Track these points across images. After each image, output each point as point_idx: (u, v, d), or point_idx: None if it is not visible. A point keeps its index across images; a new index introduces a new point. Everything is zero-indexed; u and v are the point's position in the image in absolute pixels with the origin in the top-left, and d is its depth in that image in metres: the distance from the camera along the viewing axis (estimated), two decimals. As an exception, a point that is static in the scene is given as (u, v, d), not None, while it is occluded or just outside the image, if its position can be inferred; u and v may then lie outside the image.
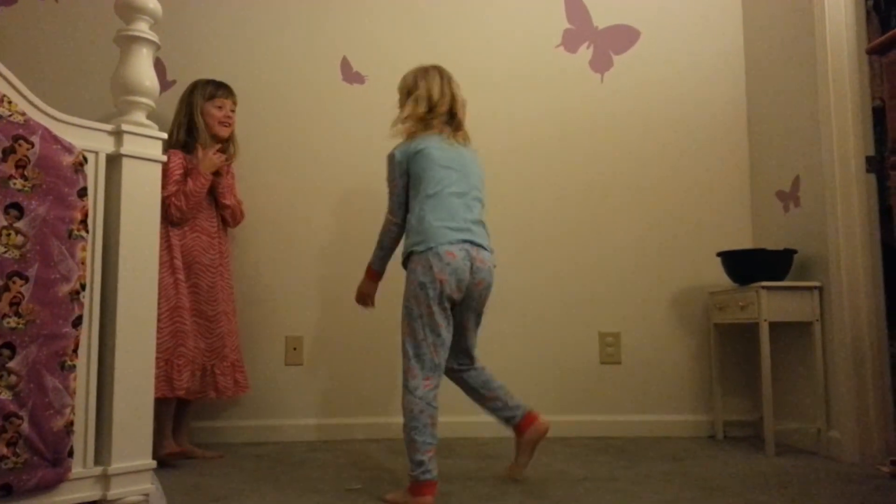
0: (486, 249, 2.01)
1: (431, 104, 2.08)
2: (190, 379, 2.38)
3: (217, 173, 2.54)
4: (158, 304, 2.12)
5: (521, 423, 2.04)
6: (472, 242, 1.96)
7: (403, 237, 2.06)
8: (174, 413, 2.45)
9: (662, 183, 3.04)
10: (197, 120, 2.54)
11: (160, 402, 2.29)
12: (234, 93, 2.65)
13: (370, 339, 2.92)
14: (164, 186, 2.25)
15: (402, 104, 2.15)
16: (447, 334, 1.93)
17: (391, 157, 2.08)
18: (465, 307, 1.99)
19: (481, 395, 2.08)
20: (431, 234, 1.92)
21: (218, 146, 2.57)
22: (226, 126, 2.61)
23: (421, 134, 2.06)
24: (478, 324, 2.07)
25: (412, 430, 1.85)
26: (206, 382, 2.46)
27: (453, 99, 2.12)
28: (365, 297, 2.19)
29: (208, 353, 2.48)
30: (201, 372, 2.44)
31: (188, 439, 2.53)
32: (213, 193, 2.57)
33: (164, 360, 2.32)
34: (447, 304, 1.92)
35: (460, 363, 2.09)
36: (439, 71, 2.17)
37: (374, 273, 2.15)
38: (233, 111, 2.64)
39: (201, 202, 2.50)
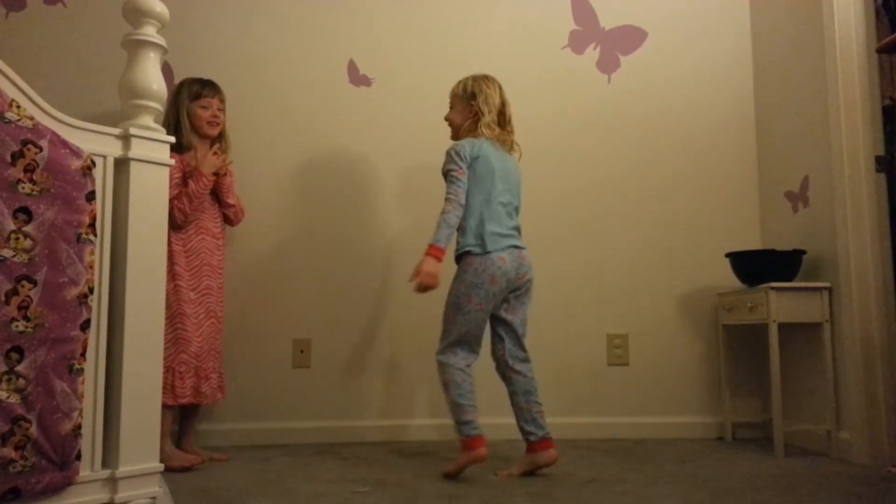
0: (524, 249, 2.30)
1: (491, 109, 2.33)
2: (193, 386, 2.38)
3: (217, 173, 2.52)
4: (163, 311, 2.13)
5: (536, 444, 2.21)
6: (516, 246, 2.27)
7: (458, 234, 2.25)
8: (182, 417, 2.46)
9: (670, 183, 3.03)
10: (182, 120, 2.51)
11: (162, 410, 2.30)
12: (221, 90, 2.60)
13: (378, 341, 2.92)
14: None
15: (457, 107, 2.38)
16: (485, 325, 2.25)
17: (458, 152, 2.25)
18: (515, 298, 2.28)
19: (518, 401, 2.25)
20: (488, 240, 2.20)
21: (216, 146, 2.56)
22: (214, 125, 2.57)
23: (478, 136, 2.30)
24: (526, 312, 2.31)
25: (458, 396, 2.15)
26: (212, 384, 2.45)
27: (505, 104, 2.39)
28: (433, 277, 2.17)
29: (215, 355, 2.49)
30: (206, 376, 2.43)
31: (194, 441, 2.53)
32: (216, 194, 2.56)
33: (165, 367, 2.27)
34: (492, 301, 2.21)
35: (519, 360, 2.28)
36: (494, 79, 2.39)
37: (442, 251, 2.19)
38: (221, 109, 2.59)
39: (203, 203, 2.49)
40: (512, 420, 2.26)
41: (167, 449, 2.31)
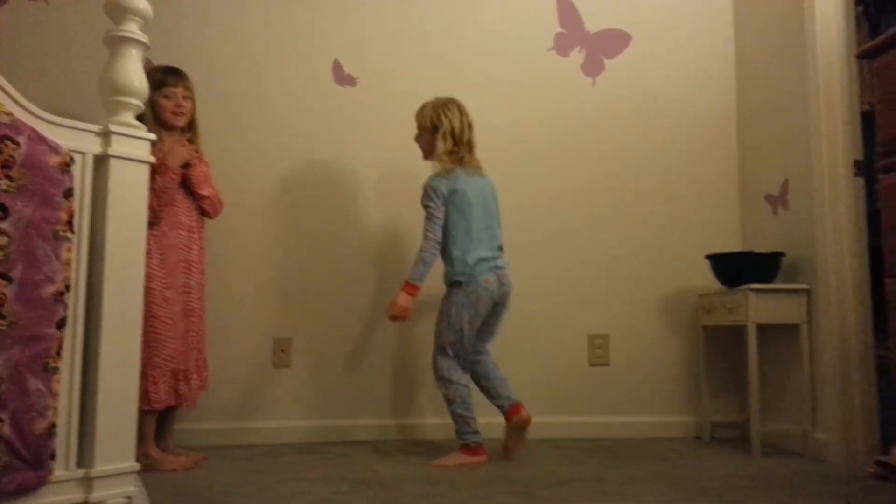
0: (506, 267, 2.50)
1: (455, 139, 2.47)
2: (170, 389, 2.31)
3: (186, 165, 2.40)
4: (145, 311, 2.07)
5: (509, 410, 2.44)
6: (498, 267, 2.47)
7: (446, 264, 2.45)
8: (159, 418, 2.39)
9: (652, 186, 3.05)
10: (144, 111, 2.39)
11: (140, 415, 2.26)
12: (187, 77, 2.48)
13: (359, 341, 2.92)
14: None
15: (423, 137, 2.53)
16: (473, 339, 2.44)
17: (435, 189, 2.42)
18: (494, 313, 2.49)
19: (483, 384, 2.49)
20: (474, 269, 2.41)
21: (185, 136, 2.46)
22: (179, 115, 2.44)
23: (452, 168, 2.44)
24: (500, 321, 2.54)
25: (461, 408, 2.37)
26: (192, 384, 2.39)
27: (469, 128, 2.52)
28: (406, 311, 2.41)
29: (195, 354, 2.42)
30: (185, 377, 2.36)
31: (173, 441, 2.49)
32: (187, 186, 2.44)
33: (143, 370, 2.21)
34: (481, 319, 2.43)
35: (478, 353, 2.49)
36: (456, 104, 2.52)
37: (417, 289, 2.40)
38: (186, 97, 2.46)
39: (174, 197, 2.38)
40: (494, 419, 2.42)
41: (153, 454, 2.27)
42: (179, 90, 2.45)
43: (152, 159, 1.54)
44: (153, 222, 2.30)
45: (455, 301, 2.40)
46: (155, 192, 2.28)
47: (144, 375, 2.23)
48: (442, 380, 2.41)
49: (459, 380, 2.40)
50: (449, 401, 2.40)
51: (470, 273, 2.40)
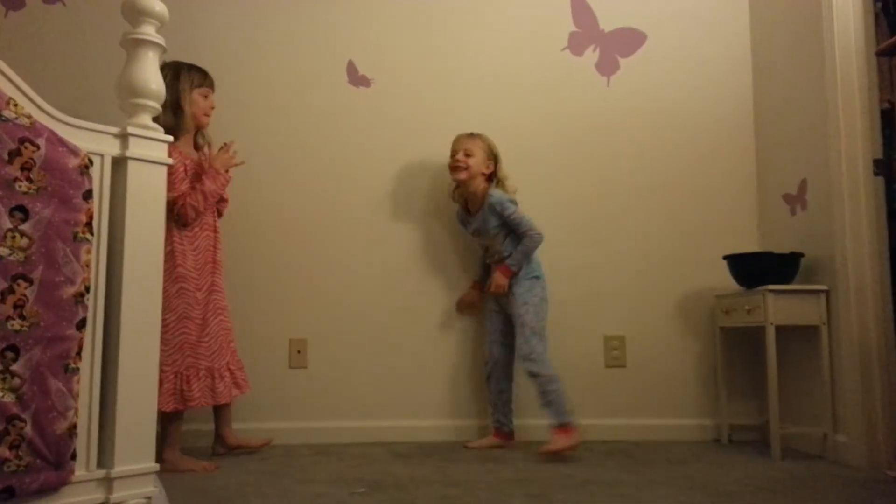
0: None
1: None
2: (206, 387, 2.35)
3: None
4: (162, 315, 2.13)
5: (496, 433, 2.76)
6: None
7: (523, 258, 2.68)
8: (215, 417, 2.51)
9: (668, 186, 3.03)
10: (185, 107, 2.43)
11: (172, 416, 2.30)
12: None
13: (375, 341, 2.92)
14: (172, 187, 2.23)
15: (479, 157, 2.74)
16: None
17: (512, 201, 2.71)
18: None
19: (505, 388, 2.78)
20: (542, 270, 2.75)
21: (229, 142, 2.53)
22: (208, 116, 2.52)
23: (503, 189, 2.76)
24: None
25: (558, 387, 2.54)
26: (226, 382, 2.43)
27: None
28: (502, 288, 2.69)
29: (227, 352, 2.46)
30: (219, 375, 2.41)
31: (231, 433, 2.56)
32: None
33: (172, 372, 2.29)
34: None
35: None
36: None
37: (514, 275, 2.70)
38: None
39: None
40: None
41: (170, 457, 2.28)
42: (212, 92, 2.52)
43: (170, 161, 1.54)
44: (190, 223, 2.36)
45: (538, 293, 2.67)
46: (203, 194, 2.35)
47: (179, 375, 2.29)
48: (541, 362, 2.57)
49: (548, 361, 2.59)
50: (550, 380, 2.54)
51: (542, 272, 2.72)
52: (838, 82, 2.46)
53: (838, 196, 2.45)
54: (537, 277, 2.70)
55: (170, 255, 2.30)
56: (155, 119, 1.55)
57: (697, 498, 1.91)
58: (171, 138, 1.55)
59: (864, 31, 2.47)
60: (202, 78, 2.49)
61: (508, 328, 2.73)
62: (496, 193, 2.70)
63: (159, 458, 2.19)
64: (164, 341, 2.14)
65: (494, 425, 2.77)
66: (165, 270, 2.21)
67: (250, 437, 2.61)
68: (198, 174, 2.44)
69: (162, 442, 2.22)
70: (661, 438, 2.85)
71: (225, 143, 2.52)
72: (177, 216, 2.33)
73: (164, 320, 2.15)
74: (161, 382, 2.18)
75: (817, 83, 2.57)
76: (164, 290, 2.11)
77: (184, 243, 2.38)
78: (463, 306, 2.93)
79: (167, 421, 2.29)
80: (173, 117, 2.39)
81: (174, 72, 2.42)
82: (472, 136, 2.78)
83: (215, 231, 2.50)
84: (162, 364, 2.14)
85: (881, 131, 2.47)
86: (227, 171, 2.47)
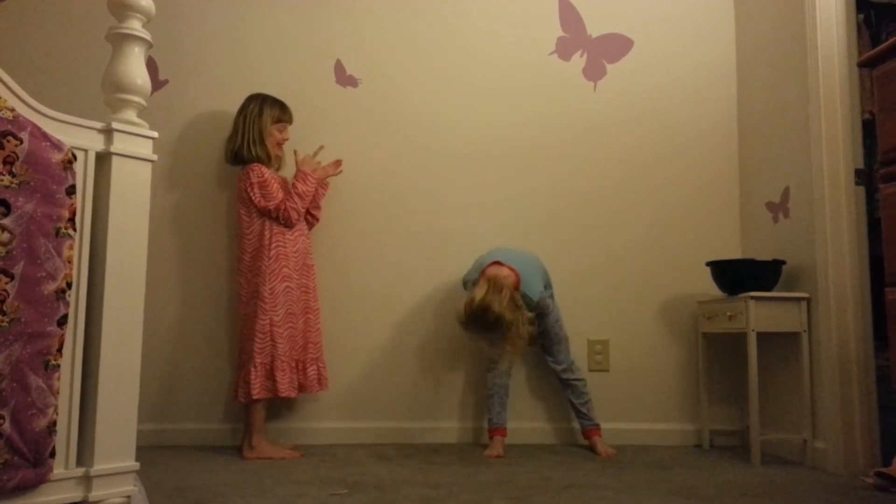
0: None
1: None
2: (294, 379, 2.58)
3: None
4: (276, 311, 2.52)
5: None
6: None
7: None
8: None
9: (653, 192, 3.05)
10: (267, 141, 2.68)
11: (260, 404, 2.54)
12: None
13: (354, 342, 2.91)
14: (270, 197, 2.59)
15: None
16: None
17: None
18: None
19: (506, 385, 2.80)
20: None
21: (318, 148, 2.81)
22: (280, 146, 2.76)
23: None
24: None
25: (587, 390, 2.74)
26: (309, 374, 2.64)
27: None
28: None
29: (313, 348, 2.68)
30: (303, 368, 2.64)
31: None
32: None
33: (266, 363, 2.52)
34: None
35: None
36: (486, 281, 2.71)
37: None
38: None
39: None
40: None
41: (258, 444, 2.50)
42: (288, 126, 2.77)
43: (154, 157, 1.53)
44: (294, 223, 2.65)
45: (556, 308, 2.75)
46: (299, 195, 2.65)
47: (272, 365, 2.53)
48: (578, 369, 2.78)
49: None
50: (584, 383, 2.74)
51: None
52: (821, 92, 2.49)
53: (820, 205, 2.48)
54: (552, 295, 2.75)
55: (276, 257, 2.59)
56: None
57: (677, 502, 1.92)
58: (155, 134, 1.54)
59: (847, 42, 2.51)
60: (281, 113, 2.74)
61: None
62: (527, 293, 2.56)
63: (248, 444, 2.47)
64: (273, 334, 2.53)
65: (496, 420, 2.69)
66: (274, 270, 2.57)
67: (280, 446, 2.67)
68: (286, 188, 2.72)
69: (247, 429, 2.53)
70: (643, 443, 2.87)
71: (320, 147, 2.79)
72: (283, 220, 2.62)
73: (273, 315, 2.54)
74: (253, 372, 2.50)
75: (800, 93, 2.60)
76: (273, 289, 2.55)
77: (286, 246, 2.61)
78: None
79: (254, 409, 2.53)
80: (261, 148, 2.66)
81: (258, 108, 2.69)
82: (497, 309, 2.42)
83: (308, 237, 2.76)
84: (255, 355, 2.47)
85: (863, 141, 2.51)
86: (315, 173, 2.72)
